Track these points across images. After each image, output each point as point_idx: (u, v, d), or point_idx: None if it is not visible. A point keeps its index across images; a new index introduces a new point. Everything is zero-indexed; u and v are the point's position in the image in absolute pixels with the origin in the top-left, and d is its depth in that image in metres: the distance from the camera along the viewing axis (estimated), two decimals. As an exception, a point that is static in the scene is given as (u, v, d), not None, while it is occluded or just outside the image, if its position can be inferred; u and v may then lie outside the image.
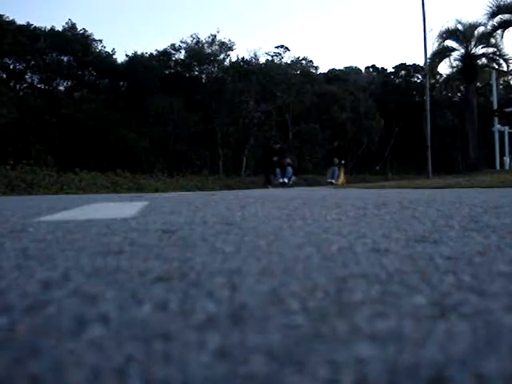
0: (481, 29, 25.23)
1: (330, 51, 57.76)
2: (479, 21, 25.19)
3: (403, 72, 35.51)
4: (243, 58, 29.67)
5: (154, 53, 30.35)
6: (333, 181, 14.92)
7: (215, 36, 29.68)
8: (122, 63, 29.91)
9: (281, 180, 14.36)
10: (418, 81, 33.43)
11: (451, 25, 25.94)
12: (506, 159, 23.00)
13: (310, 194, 4.95)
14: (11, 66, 28.39)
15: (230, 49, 29.78)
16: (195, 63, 29.68)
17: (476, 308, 0.55)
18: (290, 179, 14.61)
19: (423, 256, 0.89)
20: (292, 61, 31.69)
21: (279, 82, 27.96)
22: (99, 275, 0.76)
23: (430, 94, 17.26)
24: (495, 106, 24.64)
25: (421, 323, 0.50)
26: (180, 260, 0.89)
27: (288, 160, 14.91)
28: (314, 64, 33.84)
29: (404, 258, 0.87)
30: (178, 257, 0.93)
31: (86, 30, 29.32)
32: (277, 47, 31.18)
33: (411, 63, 34.77)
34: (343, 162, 16.11)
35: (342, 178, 15.50)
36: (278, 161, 14.65)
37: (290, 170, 14.74)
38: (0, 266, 0.86)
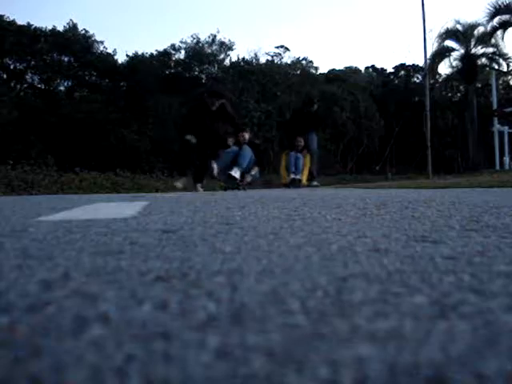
0: (481, 29, 25.25)
1: (330, 51, 57.81)
2: (479, 21, 25.22)
3: (403, 72, 35.51)
4: (243, 58, 29.68)
5: (155, 53, 30.37)
6: (298, 177, 9.07)
7: (215, 36, 29.71)
8: (122, 63, 29.92)
9: (233, 173, 7.32)
10: (418, 81, 33.42)
11: (451, 25, 25.94)
12: (506, 159, 23.00)
13: (310, 194, 4.95)
14: (12, 66, 28.39)
15: (230, 49, 29.81)
16: (195, 63, 29.68)
17: (476, 307, 0.55)
18: (247, 172, 7.61)
19: (423, 256, 0.89)
20: (292, 61, 31.69)
21: (279, 82, 27.97)
22: (99, 275, 0.76)
23: (429, 94, 17.24)
24: (495, 106, 24.64)
25: (421, 323, 0.50)
26: (180, 260, 0.89)
27: (246, 135, 7.92)
28: (314, 64, 33.87)
29: (404, 258, 0.87)
30: (178, 256, 0.93)
31: (87, 31, 29.34)
32: (277, 47, 31.20)
33: (411, 63, 34.77)
34: (315, 147, 9.45)
35: (306, 174, 9.34)
36: (225, 133, 7.56)
37: (248, 153, 7.60)
38: (0, 265, 0.86)
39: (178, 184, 7.87)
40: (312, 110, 9.74)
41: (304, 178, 9.40)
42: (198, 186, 7.88)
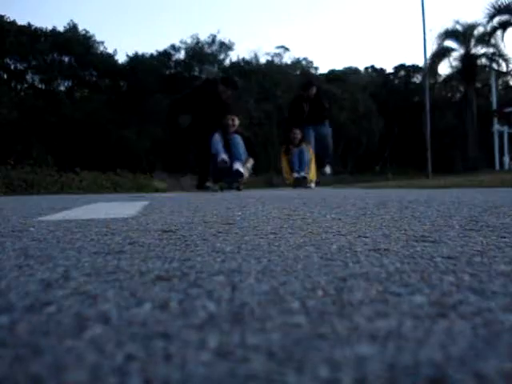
0: (480, 29, 25.26)
1: (330, 51, 57.88)
2: (479, 21, 25.24)
3: (403, 72, 35.52)
4: (243, 58, 29.73)
5: (154, 53, 30.41)
6: (302, 174, 7.63)
7: (215, 36, 29.74)
8: (122, 63, 29.95)
9: (239, 167, 6.41)
10: (418, 81, 33.43)
11: (451, 25, 25.98)
12: (506, 159, 23.01)
13: (311, 194, 4.95)
14: (12, 67, 28.41)
15: (230, 49, 29.88)
16: (195, 63, 29.70)
17: (476, 307, 0.55)
18: (242, 165, 6.51)
19: (423, 255, 0.89)
20: (292, 61, 31.72)
21: (279, 82, 27.99)
22: (99, 275, 0.76)
23: (429, 95, 17.22)
24: (494, 107, 24.65)
25: (420, 322, 0.50)
26: (180, 259, 0.89)
27: (235, 121, 6.81)
28: (314, 64, 33.96)
29: (404, 258, 0.87)
30: (178, 256, 0.93)
31: (87, 31, 29.38)
32: (277, 47, 31.26)
33: (411, 63, 34.79)
34: (329, 141, 8.15)
35: (313, 171, 7.97)
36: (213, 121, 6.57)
37: (240, 141, 6.63)
38: (0, 265, 0.86)
39: (212, 187, 6.86)
40: (311, 94, 8.02)
41: (311, 175, 7.91)
42: (209, 185, 6.91)
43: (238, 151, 6.57)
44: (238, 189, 6.74)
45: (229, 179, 6.63)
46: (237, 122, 6.91)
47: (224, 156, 6.38)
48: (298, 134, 8.04)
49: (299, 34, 54.91)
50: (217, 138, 6.55)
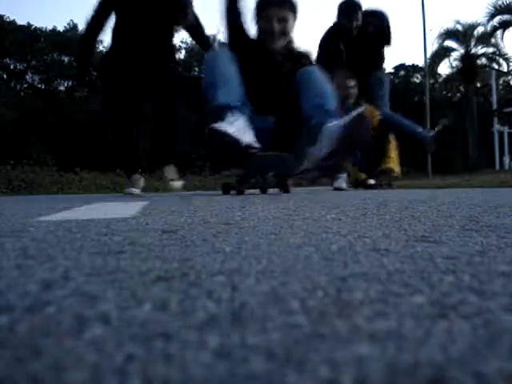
0: (480, 29, 25.29)
1: (330, 51, 57.85)
2: (479, 21, 25.27)
3: (403, 72, 35.51)
4: (243, 58, 29.73)
5: (154, 53, 30.35)
6: (389, 165, 5.24)
7: (215, 36, 29.71)
8: (122, 63, 29.89)
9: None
10: (418, 81, 33.42)
11: (451, 25, 25.99)
12: (506, 159, 23.02)
13: (310, 194, 4.95)
14: (12, 66, 28.39)
15: (230, 49, 29.85)
16: (195, 63, 29.66)
17: (476, 307, 0.55)
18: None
19: (423, 255, 0.89)
20: (292, 61, 31.69)
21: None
22: (99, 275, 0.76)
23: (429, 95, 17.22)
24: (495, 106, 24.65)
25: (420, 322, 0.50)
26: (180, 260, 0.89)
27: (290, 21, 3.55)
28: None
29: (404, 258, 0.87)
30: (178, 256, 0.93)
31: (86, 31, 29.33)
32: (277, 47, 31.23)
33: (411, 63, 34.79)
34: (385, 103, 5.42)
35: (396, 155, 5.56)
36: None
37: (317, 75, 3.25)
38: (0, 265, 0.86)
39: (134, 190, 4.63)
40: (355, 26, 4.79)
41: (395, 164, 5.10)
42: (136, 182, 4.62)
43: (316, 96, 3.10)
44: (286, 189, 3.94)
45: (265, 169, 3.37)
46: (292, 20, 3.41)
47: (230, 126, 2.90)
48: (353, 85, 4.85)
49: (299, 33, 54.92)
50: (223, 62, 3.10)
